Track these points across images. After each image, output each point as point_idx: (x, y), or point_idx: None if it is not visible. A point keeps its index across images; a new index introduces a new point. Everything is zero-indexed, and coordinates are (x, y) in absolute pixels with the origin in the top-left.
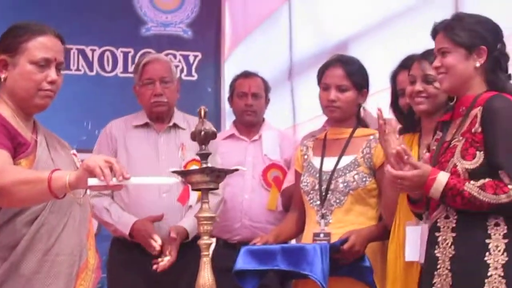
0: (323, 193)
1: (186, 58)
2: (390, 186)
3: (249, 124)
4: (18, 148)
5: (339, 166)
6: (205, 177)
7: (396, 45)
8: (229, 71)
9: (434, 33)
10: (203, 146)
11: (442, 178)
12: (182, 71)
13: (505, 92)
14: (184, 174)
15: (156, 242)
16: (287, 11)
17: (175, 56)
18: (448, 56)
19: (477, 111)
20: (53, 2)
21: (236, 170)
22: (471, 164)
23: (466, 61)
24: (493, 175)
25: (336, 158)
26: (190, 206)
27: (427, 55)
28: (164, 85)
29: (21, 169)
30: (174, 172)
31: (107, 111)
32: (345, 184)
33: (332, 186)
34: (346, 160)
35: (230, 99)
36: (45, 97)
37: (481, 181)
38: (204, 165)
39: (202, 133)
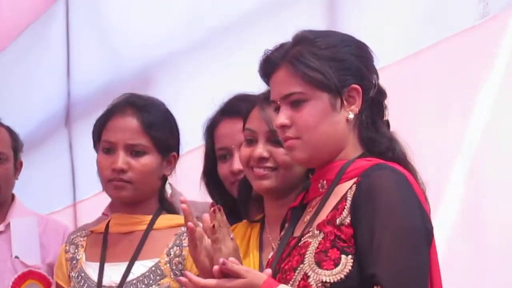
0: None
1: None
2: None
3: None
4: None
5: (130, 278)
6: None
7: (220, 77)
8: None
9: (270, 66)
10: None
11: None
12: None
13: (388, 156)
14: None
15: None
16: (63, 18)
17: None
18: (305, 108)
19: (346, 189)
20: None
21: None
22: (331, 275)
23: (333, 112)
24: None
25: (124, 265)
26: None
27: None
28: None
29: None
30: None
31: None
32: (181, 277)
33: None
34: (141, 267)
35: None
36: None
37: None
38: None
39: None
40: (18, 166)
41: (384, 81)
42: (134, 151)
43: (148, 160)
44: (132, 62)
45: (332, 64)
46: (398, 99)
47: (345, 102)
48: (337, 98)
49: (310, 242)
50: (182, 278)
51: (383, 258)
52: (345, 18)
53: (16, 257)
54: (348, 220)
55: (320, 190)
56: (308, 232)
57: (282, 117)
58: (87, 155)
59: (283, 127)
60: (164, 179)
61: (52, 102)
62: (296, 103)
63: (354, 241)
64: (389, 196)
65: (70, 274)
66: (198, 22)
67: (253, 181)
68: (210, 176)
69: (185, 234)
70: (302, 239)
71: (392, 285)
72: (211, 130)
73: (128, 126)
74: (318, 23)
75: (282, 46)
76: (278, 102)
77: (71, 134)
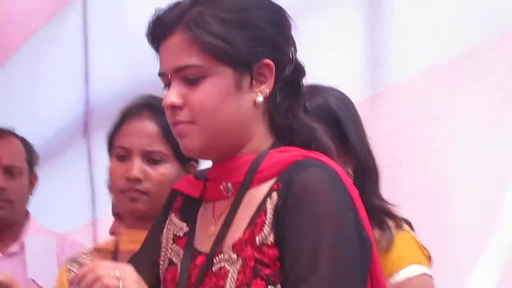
0: None
1: None
2: None
3: None
4: None
5: None
6: None
7: None
8: None
9: (160, 31)
10: None
11: None
12: None
13: (310, 148)
14: None
15: None
16: (80, 16)
17: None
18: (202, 85)
19: (263, 195)
20: None
21: None
22: None
23: (237, 93)
24: None
25: None
26: None
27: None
28: None
29: None
30: None
31: None
32: None
33: None
34: None
35: None
36: None
37: None
38: None
39: None
40: (33, 181)
41: (432, 81)
42: (151, 159)
43: (167, 169)
44: (154, 67)
45: (240, 32)
46: (446, 102)
47: (253, 81)
48: (244, 74)
49: (228, 270)
50: None
51: (313, 277)
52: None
53: (32, 280)
54: (271, 239)
55: (225, 193)
56: (221, 252)
57: (173, 95)
58: (106, 167)
59: (174, 108)
60: None
61: (69, 110)
62: (191, 79)
63: (280, 264)
64: (320, 207)
65: None
66: None
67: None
68: None
69: None
70: (215, 261)
71: None
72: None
73: (145, 130)
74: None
75: (178, 5)
76: (169, 76)
77: (90, 145)
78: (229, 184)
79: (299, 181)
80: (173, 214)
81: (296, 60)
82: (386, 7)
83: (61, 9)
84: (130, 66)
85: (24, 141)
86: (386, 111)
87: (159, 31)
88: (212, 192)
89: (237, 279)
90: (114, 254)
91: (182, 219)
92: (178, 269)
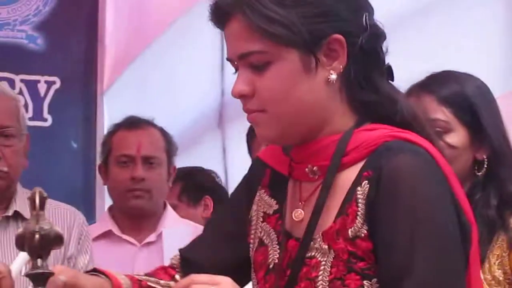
0: None
1: (32, 86)
2: None
3: (138, 213)
4: None
5: None
6: None
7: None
8: (110, 113)
9: (221, 16)
10: (39, 261)
11: None
12: (25, 110)
13: (395, 121)
14: None
15: None
16: None
17: (12, 83)
18: (268, 72)
19: (353, 180)
20: None
21: None
22: None
23: (306, 74)
24: None
25: None
26: None
27: None
28: (3, 142)
29: None
30: None
31: None
32: None
33: None
34: None
35: (103, 167)
36: None
37: None
38: None
39: (36, 237)
40: (171, 172)
41: None
42: None
43: None
44: None
45: (300, 10)
46: None
47: (324, 59)
48: (310, 55)
49: (320, 261)
50: None
51: (413, 274)
52: None
53: None
54: (364, 231)
55: (311, 176)
56: (313, 240)
57: (240, 83)
58: (241, 159)
59: (243, 96)
60: None
61: (204, 101)
62: (257, 65)
63: (374, 258)
64: (414, 198)
65: None
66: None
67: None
68: None
69: None
70: (308, 252)
71: None
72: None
73: None
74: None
75: None
76: (235, 63)
77: (225, 136)
78: (315, 168)
79: (391, 170)
80: (262, 191)
81: (372, 25)
82: None
83: (198, 1)
84: None
85: (163, 132)
86: None
87: (218, 17)
88: (298, 172)
89: (330, 273)
90: None
91: (272, 196)
92: (269, 250)
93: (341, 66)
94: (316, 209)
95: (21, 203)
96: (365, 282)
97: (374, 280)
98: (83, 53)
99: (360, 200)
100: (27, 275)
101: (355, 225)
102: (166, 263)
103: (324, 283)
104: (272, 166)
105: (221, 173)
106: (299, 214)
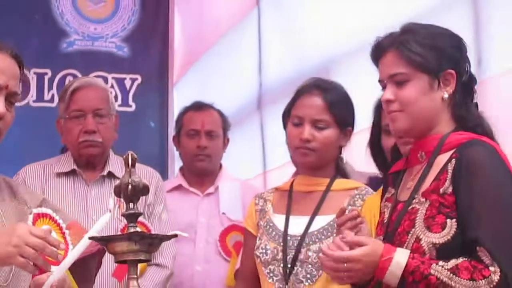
0: (289, 265)
1: (120, 82)
2: (333, 278)
3: (202, 172)
4: None
5: (311, 229)
6: (133, 246)
7: None
8: (179, 100)
9: (380, 51)
10: (131, 205)
11: (400, 258)
12: (115, 99)
13: (477, 131)
14: (106, 241)
15: None
16: (256, 22)
17: (106, 80)
18: (407, 86)
19: (445, 160)
20: None
21: (175, 236)
22: (440, 237)
23: (430, 91)
24: (469, 253)
25: (307, 218)
26: None
27: None
28: (98, 120)
29: None
30: (92, 238)
31: (15, 153)
32: (320, 254)
33: (301, 256)
34: (321, 221)
35: (177, 138)
36: None
37: (453, 262)
38: (132, 229)
39: (129, 187)
40: (226, 142)
41: None
42: (318, 125)
43: (330, 133)
44: (313, 58)
45: (431, 51)
46: None
47: (441, 84)
48: (434, 79)
49: (418, 208)
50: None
51: (484, 223)
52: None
53: (223, 213)
54: (450, 190)
55: (420, 159)
56: (414, 198)
57: (388, 93)
58: (275, 134)
59: (388, 101)
60: (340, 149)
61: (247, 92)
62: (400, 82)
63: (455, 207)
64: (485, 170)
65: (259, 223)
66: (373, 23)
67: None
68: (375, 146)
69: (357, 196)
70: (410, 204)
71: (494, 245)
72: (379, 108)
73: (314, 104)
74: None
75: (391, 34)
76: (385, 81)
77: (262, 117)
78: (423, 153)
79: (469, 154)
80: (389, 189)
81: (470, 72)
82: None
83: (244, 17)
84: (295, 57)
85: (220, 113)
86: None
87: (378, 51)
88: (412, 158)
89: (425, 214)
90: (289, 192)
91: (392, 186)
92: (385, 215)
93: (451, 90)
94: (420, 177)
95: (113, 165)
96: (448, 220)
97: (454, 220)
98: (158, 56)
99: (449, 171)
100: (123, 215)
101: (444, 185)
102: (222, 208)
103: (420, 220)
104: (393, 171)
105: (259, 146)
106: (409, 184)
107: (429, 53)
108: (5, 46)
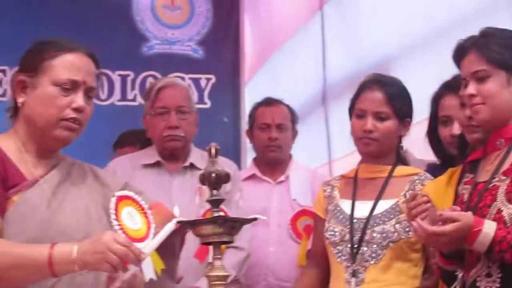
0: (356, 245)
1: (196, 82)
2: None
3: (274, 162)
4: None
5: (375, 213)
6: (217, 229)
7: (447, 65)
8: (250, 97)
9: (462, 52)
10: (215, 191)
11: (489, 229)
12: None
13: None
14: (192, 225)
15: None
16: (319, 25)
17: (183, 80)
18: (488, 82)
19: None
20: (33, 16)
21: (255, 219)
22: None
23: (508, 86)
24: None
25: (371, 203)
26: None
27: None
28: (181, 116)
29: (10, 245)
30: (179, 222)
31: (102, 148)
32: (384, 235)
33: (367, 237)
34: (384, 205)
35: (250, 132)
36: (67, 129)
37: None
38: (216, 214)
39: (213, 175)
40: (294, 134)
41: None
42: (380, 117)
43: (390, 124)
44: (372, 56)
45: (508, 50)
46: None
47: None
48: (509, 75)
49: (499, 185)
50: (414, 223)
51: None
52: None
53: (294, 199)
54: None
55: (499, 146)
56: (495, 178)
57: (471, 89)
58: (339, 126)
59: (471, 96)
60: (400, 138)
61: (312, 88)
62: (481, 78)
63: None
64: None
65: (327, 207)
66: (425, 23)
67: (468, 135)
68: (432, 136)
69: (417, 181)
70: (490, 183)
71: None
72: (436, 99)
73: (376, 97)
74: None
75: (472, 37)
76: (467, 79)
77: (327, 111)
78: (502, 140)
79: None
80: (466, 174)
81: None
82: None
83: (315, 14)
84: (355, 56)
85: (289, 107)
86: None
87: (461, 52)
88: (491, 146)
89: (506, 189)
90: (354, 179)
91: (470, 172)
92: (464, 195)
93: None
94: (502, 160)
95: (194, 157)
96: None
97: None
98: (230, 58)
99: None
100: (207, 200)
101: None
102: (293, 194)
103: (502, 195)
104: (471, 159)
105: (324, 138)
106: (489, 168)
107: (506, 52)
108: (81, 47)
